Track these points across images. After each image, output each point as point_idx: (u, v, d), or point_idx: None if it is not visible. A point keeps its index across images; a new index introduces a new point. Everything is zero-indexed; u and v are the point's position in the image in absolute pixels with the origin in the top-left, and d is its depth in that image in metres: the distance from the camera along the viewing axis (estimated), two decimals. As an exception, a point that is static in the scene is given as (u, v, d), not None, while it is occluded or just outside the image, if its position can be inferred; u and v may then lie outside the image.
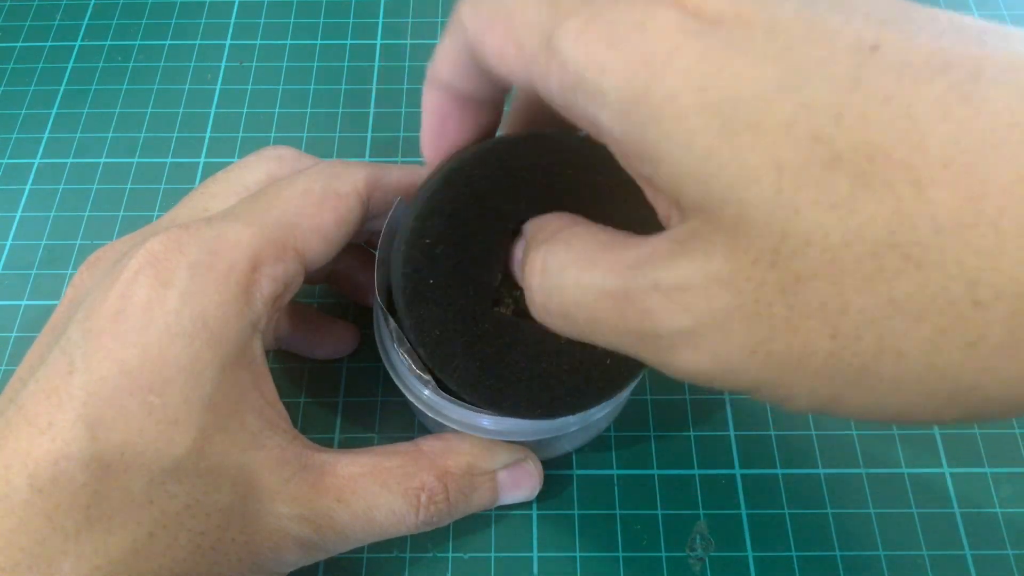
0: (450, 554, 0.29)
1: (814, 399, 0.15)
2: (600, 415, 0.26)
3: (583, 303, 0.17)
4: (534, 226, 0.21)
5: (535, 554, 0.29)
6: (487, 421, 0.25)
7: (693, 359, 0.15)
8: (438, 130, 0.22)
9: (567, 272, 0.18)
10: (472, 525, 0.30)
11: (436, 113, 0.22)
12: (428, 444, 0.26)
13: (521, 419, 0.25)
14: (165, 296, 0.21)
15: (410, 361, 0.24)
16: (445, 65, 0.20)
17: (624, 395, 0.27)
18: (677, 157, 0.14)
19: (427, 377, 0.25)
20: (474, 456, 0.26)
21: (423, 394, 0.25)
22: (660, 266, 0.16)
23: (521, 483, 0.27)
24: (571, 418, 0.25)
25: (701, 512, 0.30)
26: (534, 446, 0.28)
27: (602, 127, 0.16)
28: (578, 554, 0.29)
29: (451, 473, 0.25)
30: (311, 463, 0.23)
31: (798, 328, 0.14)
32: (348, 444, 0.31)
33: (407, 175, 0.26)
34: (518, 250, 0.22)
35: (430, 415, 0.26)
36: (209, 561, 0.21)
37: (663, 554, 0.29)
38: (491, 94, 0.21)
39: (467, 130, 0.22)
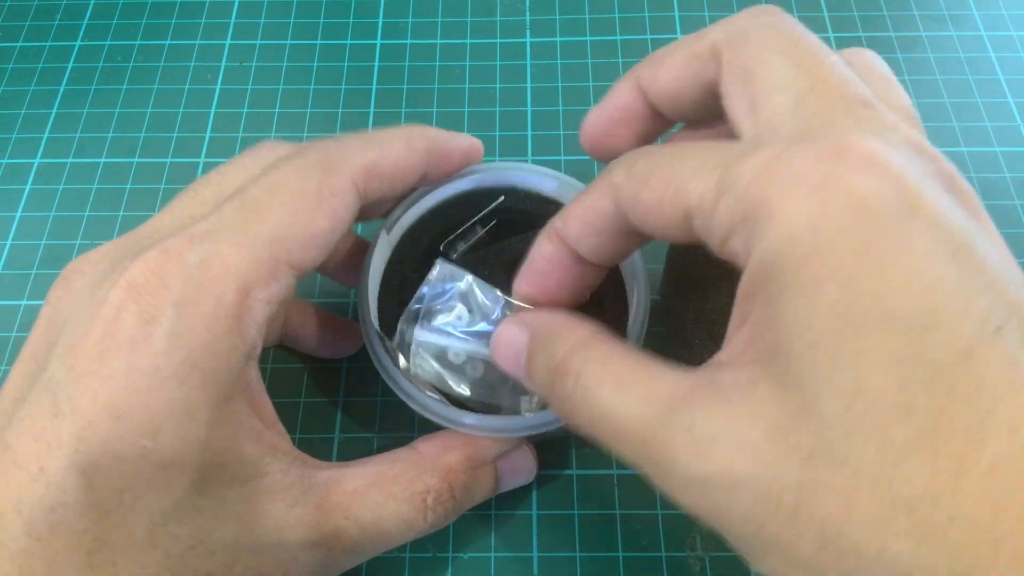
0: (450, 554, 0.29)
1: None
2: None
3: (611, 420, 0.19)
4: (553, 327, 0.22)
5: (535, 554, 0.29)
6: (470, 419, 0.26)
7: (696, 500, 0.17)
8: (539, 278, 0.23)
9: (601, 390, 0.19)
10: (472, 525, 0.30)
11: (546, 263, 0.23)
12: (425, 446, 0.26)
13: (503, 416, 0.26)
14: (151, 335, 0.19)
15: (412, 380, 0.26)
16: (576, 224, 0.21)
17: None
18: (796, 314, 0.16)
19: (413, 382, 0.26)
20: (472, 448, 0.26)
21: (413, 393, 0.26)
22: (697, 409, 0.17)
23: (519, 467, 0.27)
24: (550, 418, 0.26)
25: (701, 512, 0.30)
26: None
27: (747, 255, 0.18)
28: (578, 554, 0.29)
29: (453, 470, 0.25)
30: (314, 483, 0.22)
31: (794, 532, 0.15)
32: (348, 444, 0.31)
33: (404, 156, 0.25)
34: (513, 337, 0.22)
35: (423, 414, 0.26)
36: None
37: (663, 554, 0.29)
38: (608, 258, 0.22)
39: (566, 286, 0.23)
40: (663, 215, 0.19)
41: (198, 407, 0.20)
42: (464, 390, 0.27)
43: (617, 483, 0.30)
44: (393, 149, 0.24)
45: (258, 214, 0.22)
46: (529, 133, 0.39)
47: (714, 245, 0.19)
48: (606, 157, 0.24)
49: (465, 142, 0.27)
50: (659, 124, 0.24)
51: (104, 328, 0.20)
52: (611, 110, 0.23)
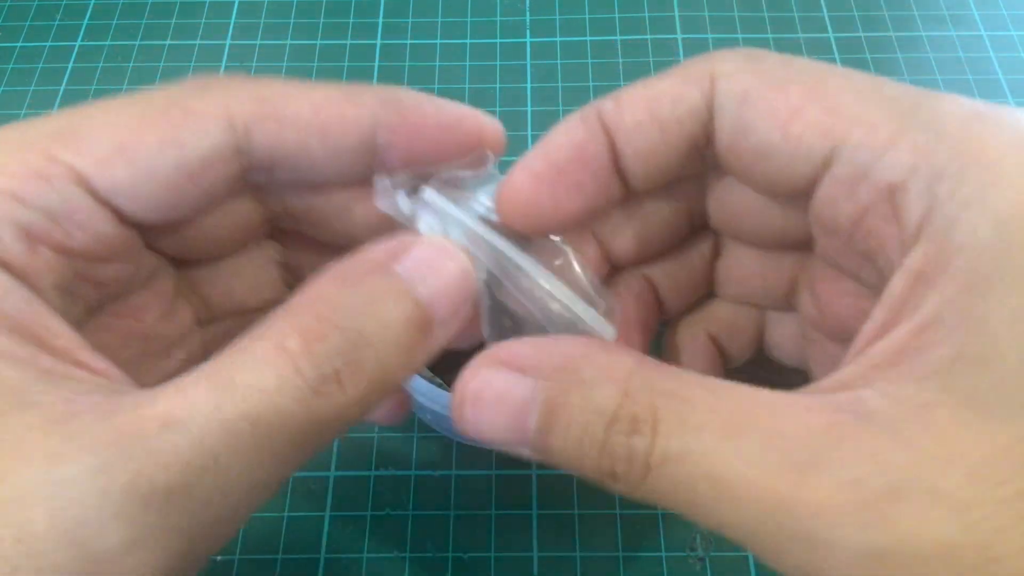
0: (450, 554, 0.29)
1: None
2: None
3: (721, 486, 0.13)
4: (576, 358, 0.16)
5: (535, 554, 0.29)
6: None
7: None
8: (550, 171, 0.17)
9: (699, 442, 0.14)
10: (471, 525, 0.30)
11: (572, 151, 0.17)
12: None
13: None
14: None
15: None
16: (638, 109, 0.16)
17: None
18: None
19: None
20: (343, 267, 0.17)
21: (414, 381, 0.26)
22: (855, 453, 0.13)
23: (432, 264, 0.17)
24: None
25: (701, 512, 0.30)
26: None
27: (926, 222, 0.14)
28: (578, 554, 0.29)
29: (321, 298, 0.16)
30: (117, 406, 0.14)
31: None
32: (347, 444, 0.31)
33: (331, 104, 0.18)
34: (506, 387, 0.16)
35: (421, 400, 0.26)
36: None
37: (663, 554, 0.29)
38: (654, 177, 0.17)
39: (579, 200, 0.17)
40: (793, 136, 0.15)
41: None
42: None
43: (617, 483, 0.30)
44: (314, 93, 0.18)
45: (68, 119, 0.16)
46: (529, 133, 0.39)
47: (863, 198, 0.14)
48: (541, 225, 0.17)
49: (457, 113, 0.19)
50: (614, 189, 0.18)
51: None
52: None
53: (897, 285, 0.14)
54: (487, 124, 0.19)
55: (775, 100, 0.15)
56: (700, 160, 0.17)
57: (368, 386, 0.15)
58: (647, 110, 0.17)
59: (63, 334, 0.16)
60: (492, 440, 0.16)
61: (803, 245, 0.19)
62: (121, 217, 0.17)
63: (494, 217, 0.18)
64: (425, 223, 0.18)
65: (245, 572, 0.29)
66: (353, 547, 0.29)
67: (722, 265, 0.21)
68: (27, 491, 0.14)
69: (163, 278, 0.20)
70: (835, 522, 0.12)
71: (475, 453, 0.31)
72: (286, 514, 0.30)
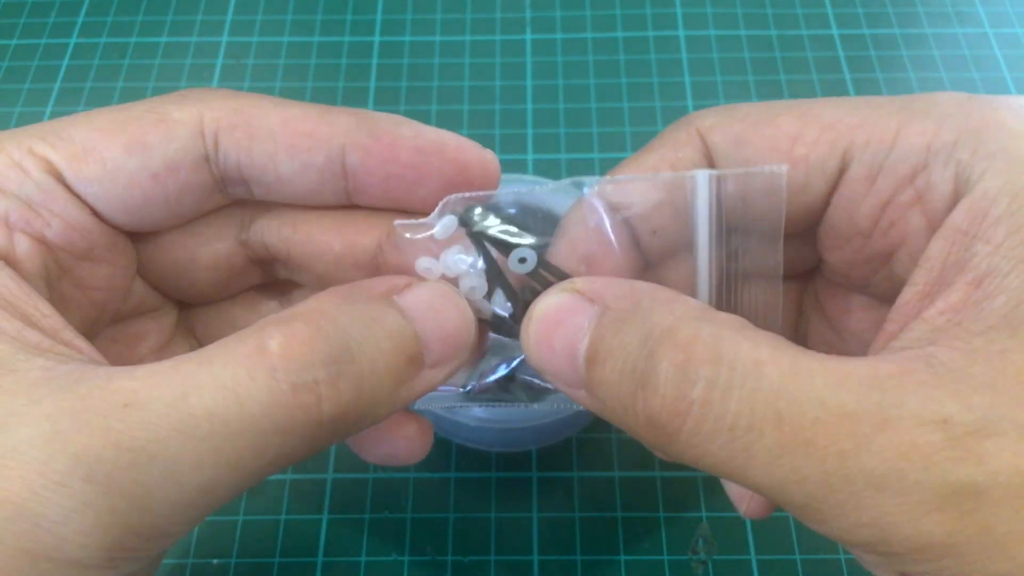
0: (449, 557, 0.29)
1: None
2: None
3: (793, 419, 0.13)
4: (642, 295, 0.16)
5: (536, 557, 0.29)
6: (479, 410, 0.25)
7: (950, 516, 0.12)
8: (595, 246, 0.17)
9: (766, 372, 0.13)
10: (472, 528, 0.29)
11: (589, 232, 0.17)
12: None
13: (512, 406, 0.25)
14: None
15: None
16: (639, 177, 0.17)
17: None
18: None
19: None
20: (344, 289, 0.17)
21: None
22: (935, 392, 0.12)
23: (440, 313, 0.17)
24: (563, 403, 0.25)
25: (704, 514, 0.29)
26: (536, 433, 0.27)
27: (954, 190, 0.15)
28: (579, 557, 0.29)
29: (316, 309, 0.16)
30: (87, 374, 0.15)
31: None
32: (346, 449, 0.31)
33: (299, 120, 0.18)
34: (569, 309, 0.16)
35: (420, 402, 0.26)
36: None
37: (665, 557, 0.29)
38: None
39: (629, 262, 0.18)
40: (800, 158, 0.16)
41: None
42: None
43: (619, 485, 0.30)
44: (288, 109, 0.18)
45: (53, 123, 0.17)
46: (529, 131, 0.39)
47: (885, 190, 0.15)
48: None
49: (438, 138, 0.18)
50: (631, 261, 0.18)
51: None
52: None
53: (937, 248, 0.14)
54: (472, 153, 0.18)
55: (769, 133, 0.16)
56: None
57: (346, 407, 0.15)
58: (644, 182, 0.17)
59: (50, 315, 0.16)
60: (548, 370, 0.16)
61: (803, 274, 0.19)
62: (96, 213, 0.17)
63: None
64: (450, 259, 0.18)
65: (242, 575, 0.29)
66: (351, 550, 0.29)
67: None
68: None
69: (164, 314, 0.21)
70: (926, 461, 0.12)
71: (474, 455, 0.31)
72: (283, 517, 0.30)
